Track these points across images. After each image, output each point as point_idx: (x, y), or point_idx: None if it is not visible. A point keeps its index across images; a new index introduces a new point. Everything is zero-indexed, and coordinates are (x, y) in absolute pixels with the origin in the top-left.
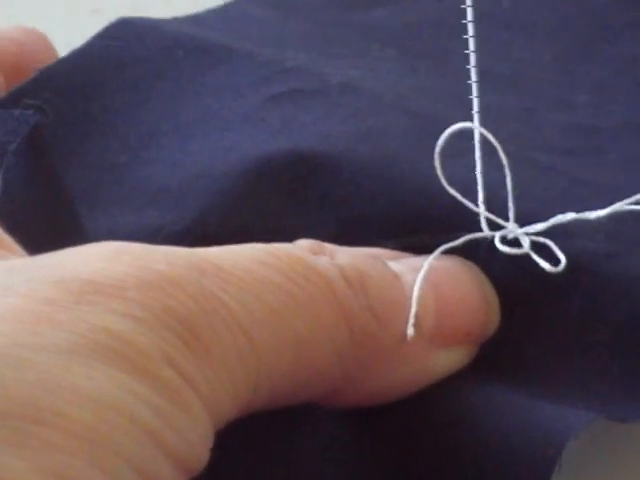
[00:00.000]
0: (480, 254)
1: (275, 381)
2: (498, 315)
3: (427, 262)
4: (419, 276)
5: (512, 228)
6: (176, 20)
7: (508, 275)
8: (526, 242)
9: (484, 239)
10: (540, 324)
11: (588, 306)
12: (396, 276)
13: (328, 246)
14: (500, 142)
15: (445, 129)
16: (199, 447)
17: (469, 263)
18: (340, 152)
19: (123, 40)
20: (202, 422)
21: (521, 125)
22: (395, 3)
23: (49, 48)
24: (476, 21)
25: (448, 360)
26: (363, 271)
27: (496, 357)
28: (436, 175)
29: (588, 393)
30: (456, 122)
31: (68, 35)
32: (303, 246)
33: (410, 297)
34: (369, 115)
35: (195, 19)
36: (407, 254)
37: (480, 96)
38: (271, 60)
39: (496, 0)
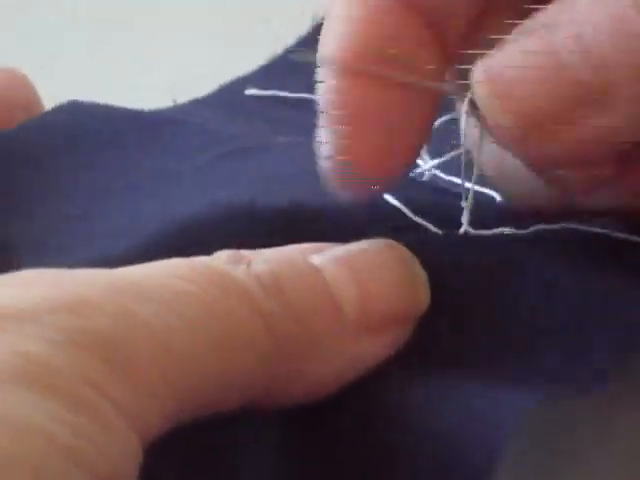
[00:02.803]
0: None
1: (200, 390)
2: (427, 294)
3: (346, 248)
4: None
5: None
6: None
7: (442, 260)
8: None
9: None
10: (477, 311)
11: (528, 292)
12: (316, 270)
13: (246, 254)
14: None
15: None
16: (124, 463)
17: (393, 243)
18: (282, 194)
19: (75, 114)
20: (125, 438)
21: None
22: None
23: (29, 88)
24: None
25: (377, 345)
26: (279, 275)
27: (431, 344)
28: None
29: (530, 378)
30: None
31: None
32: (221, 257)
33: (333, 290)
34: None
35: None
36: (332, 244)
37: None
38: (219, 128)
39: None
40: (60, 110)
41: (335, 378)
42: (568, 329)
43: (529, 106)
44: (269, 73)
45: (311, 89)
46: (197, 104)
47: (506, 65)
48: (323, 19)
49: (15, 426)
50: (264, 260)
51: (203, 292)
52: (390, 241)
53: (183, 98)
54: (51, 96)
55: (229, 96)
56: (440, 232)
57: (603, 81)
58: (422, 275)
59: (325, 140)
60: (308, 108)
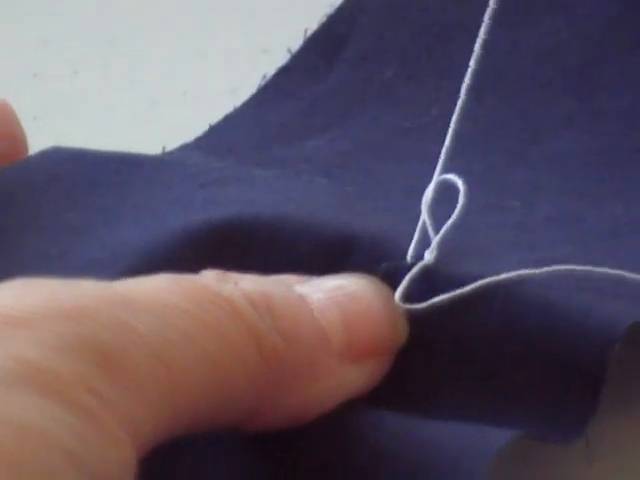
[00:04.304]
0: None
1: (194, 403)
2: (406, 328)
3: (328, 280)
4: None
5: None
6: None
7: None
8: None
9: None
10: (454, 344)
11: (502, 324)
12: (301, 296)
13: (233, 275)
14: None
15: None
16: (121, 470)
17: (372, 278)
18: (263, 210)
19: (55, 159)
20: (122, 444)
21: None
22: (327, 131)
23: (11, 116)
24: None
25: (360, 375)
26: (267, 294)
27: (410, 380)
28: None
29: (508, 413)
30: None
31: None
32: (207, 275)
33: (318, 316)
34: (294, 190)
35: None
36: (313, 277)
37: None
38: (201, 162)
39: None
40: (43, 155)
41: (317, 404)
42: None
43: None
44: (261, 102)
45: (305, 114)
46: (186, 150)
47: None
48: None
49: (20, 430)
50: (252, 280)
51: (194, 306)
52: (368, 276)
53: (169, 115)
54: (34, 116)
55: (219, 140)
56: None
57: None
58: (400, 310)
59: None
60: (298, 145)
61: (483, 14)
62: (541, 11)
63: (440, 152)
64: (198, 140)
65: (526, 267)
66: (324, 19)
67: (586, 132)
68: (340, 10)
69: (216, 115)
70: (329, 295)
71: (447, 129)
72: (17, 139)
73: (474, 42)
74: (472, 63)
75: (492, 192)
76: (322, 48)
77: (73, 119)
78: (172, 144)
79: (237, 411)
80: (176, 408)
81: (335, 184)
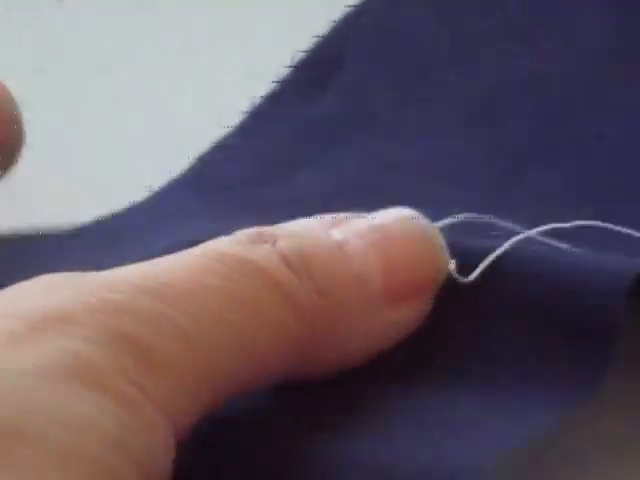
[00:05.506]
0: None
1: (232, 380)
2: (447, 261)
3: (366, 220)
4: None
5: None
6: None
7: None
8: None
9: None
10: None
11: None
12: (340, 246)
13: (268, 230)
14: None
15: None
16: (163, 457)
17: (412, 211)
18: None
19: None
20: (164, 433)
21: None
22: (316, 162)
23: (9, 100)
24: None
25: (406, 315)
26: (306, 252)
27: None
28: None
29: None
30: None
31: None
32: (240, 239)
33: (356, 264)
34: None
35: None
36: (350, 215)
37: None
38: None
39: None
40: None
41: (364, 350)
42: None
43: None
44: (251, 130)
45: (297, 140)
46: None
47: None
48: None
49: (71, 421)
50: (289, 236)
51: (225, 282)
52: (409, 210)
53: (167, 149)
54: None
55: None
56: None
57: None
58: (441, 242)
59: None
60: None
61: (474, 42)
62: (528, 40)
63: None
64: (190, 174)
65: None
66: (313, 43)
67: (571, 163)
68: (329, 35)
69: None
70: (368, 239)
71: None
72: (13, 123)
73: (463, 71)
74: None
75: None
76: (312, 73)
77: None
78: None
79: (280, 371)
80: (213, 388)
81: None
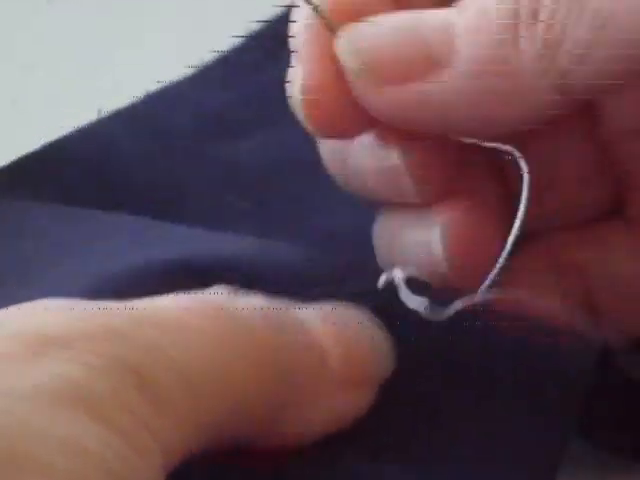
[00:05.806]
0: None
1: (214, 418)
2: (393, 359)
3: (322, 307)
4: None
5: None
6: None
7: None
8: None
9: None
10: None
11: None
12: (302, 321)
13: (240, 291)
14: None
15: None
16: None
17: (362, 307)
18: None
19: None
20: (157, 465)
21: None
22: (262, 132)
23: None
24: None
25: (355, 401)
26: (278, 312)
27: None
28: None
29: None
30: None
31: None
32: (222, 291)
33: (318, 340)
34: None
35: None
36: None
37: None
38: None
39: None
40: None
41: (320, 426)
42: None
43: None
44: (195, 86)
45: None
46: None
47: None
48: None
49: (69, 448)
50: (260, 299)
51: (216, 327)
52: (359, 306)
53: None
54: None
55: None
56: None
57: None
58: (388, 341)
59: (293, 79)
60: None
61: None
62: None
63: None
64: (129, 112)
65: None
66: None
67: None
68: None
69: None
70: (327, 320)
71: None
72: None
73: None
74: None
75: None
76: (266, 44)
77: None
78: None
79: (253, 424)
80: (199, 423)
81: (258, 215)
